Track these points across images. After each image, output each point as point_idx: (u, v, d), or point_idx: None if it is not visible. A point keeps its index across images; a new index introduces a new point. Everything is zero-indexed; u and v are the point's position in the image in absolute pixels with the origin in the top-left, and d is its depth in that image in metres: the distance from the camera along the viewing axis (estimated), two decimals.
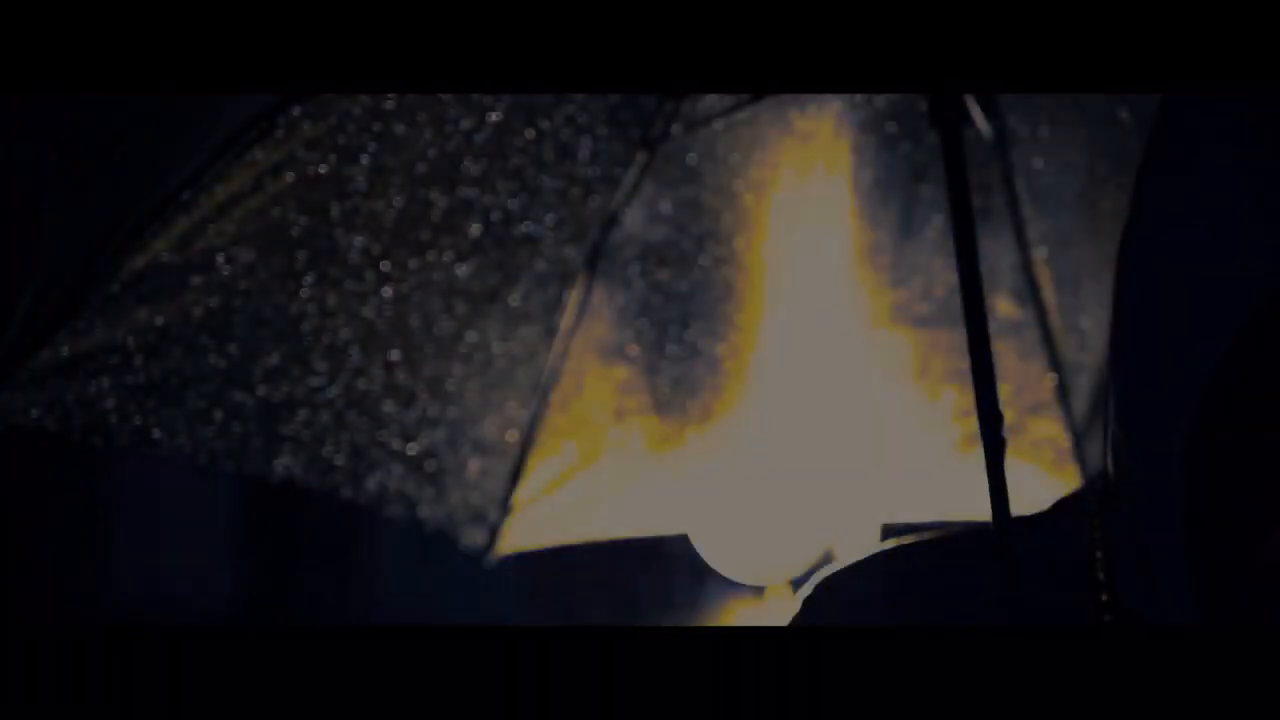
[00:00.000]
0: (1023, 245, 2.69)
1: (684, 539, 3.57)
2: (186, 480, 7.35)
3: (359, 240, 2.32)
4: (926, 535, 1.51)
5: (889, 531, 3.09)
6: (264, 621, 7.14)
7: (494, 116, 2.29)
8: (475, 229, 2.41)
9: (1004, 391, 2.80)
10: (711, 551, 3.58)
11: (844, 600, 1.47)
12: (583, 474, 2.82)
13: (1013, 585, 1.41)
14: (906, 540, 1.50)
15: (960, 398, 2.76)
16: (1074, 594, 1.41)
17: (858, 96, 2.48)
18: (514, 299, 2.55)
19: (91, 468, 7.24)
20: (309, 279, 2.32)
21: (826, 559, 3.50)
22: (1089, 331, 2.75)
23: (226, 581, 7.60)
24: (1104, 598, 1.39)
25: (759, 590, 4.01)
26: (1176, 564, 1.29)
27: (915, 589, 1.45)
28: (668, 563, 6.37)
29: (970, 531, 1.51)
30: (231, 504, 7.59)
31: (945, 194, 1.72)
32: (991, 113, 2.54)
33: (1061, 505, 1.47)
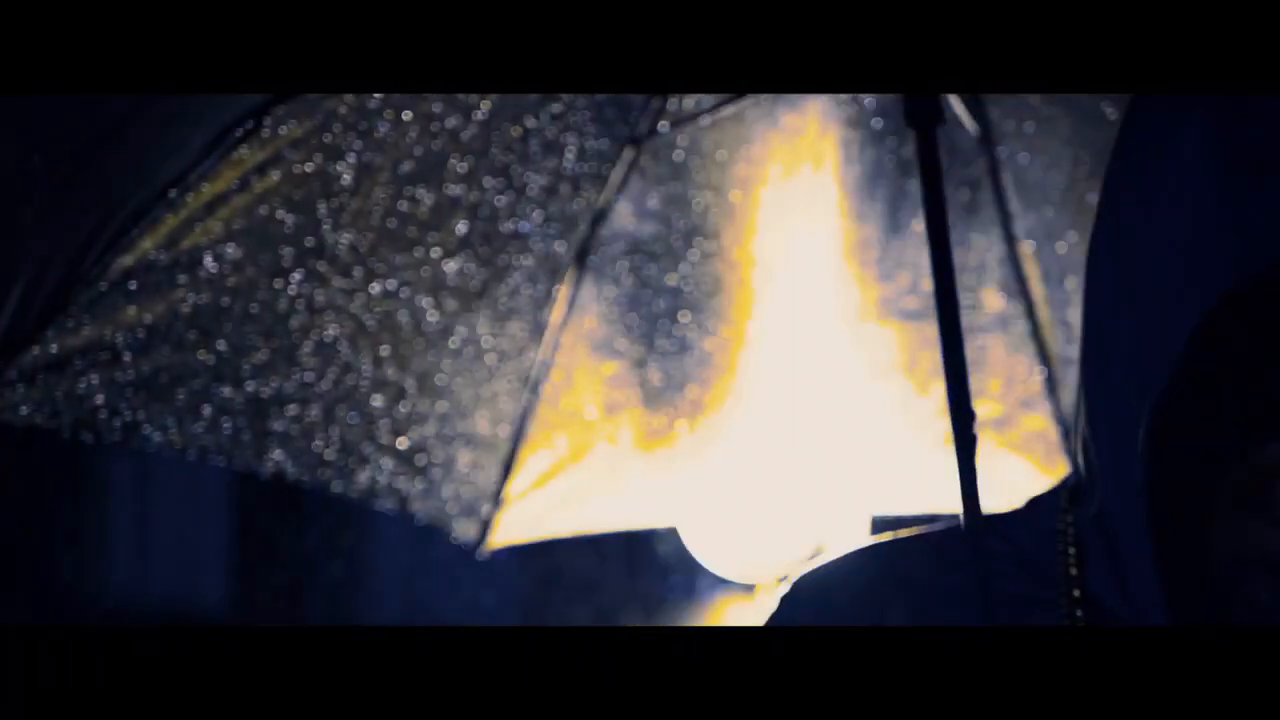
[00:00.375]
0: (1010, 239, 2.70)
1: (674, 536, 3.59)
2: (179, 481, 7.37)
3: (346, 237, 2.33)
4: (903, 533, 1.52)
5: (880, 526, 3.10)
6: (256, 622, 7.15)
7: (480, 115, 2.30)
8: (462, 226, 2.42)
9: (993, 385, 2.83)
10: (701, 548, 3.60)
11: (821, 598, 1.48)
12: (573, 468, 2.83)
13: (984, 581, 1.43)
14: (883, 538, 1.52)
15: None
16: (1047, 589, 1.42)
17: (844, 94, 2.49)
18: (502, 295, 2.56)
19: (84, 468, 7.26)
20: (297, 276, 2.33)
21: (816, 555, 3.51)
22: (1076, 325, 2.75)
23: (219, 583, 7.62)
24: (1076, 593, 1.40)
25: (749, 587, 4.02)
26: (1144, 558, 1.31)
27: (890, 586, 1.47)
28: (658, 559, 6.39)
29: (944, 529, 1.53)
30: (223, 505, 7.60)
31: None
32: (977, 109, 2.55)
33: (1035, 502, 1.49)
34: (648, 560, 6.49)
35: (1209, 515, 1.30)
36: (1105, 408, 1.33)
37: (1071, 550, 1.42)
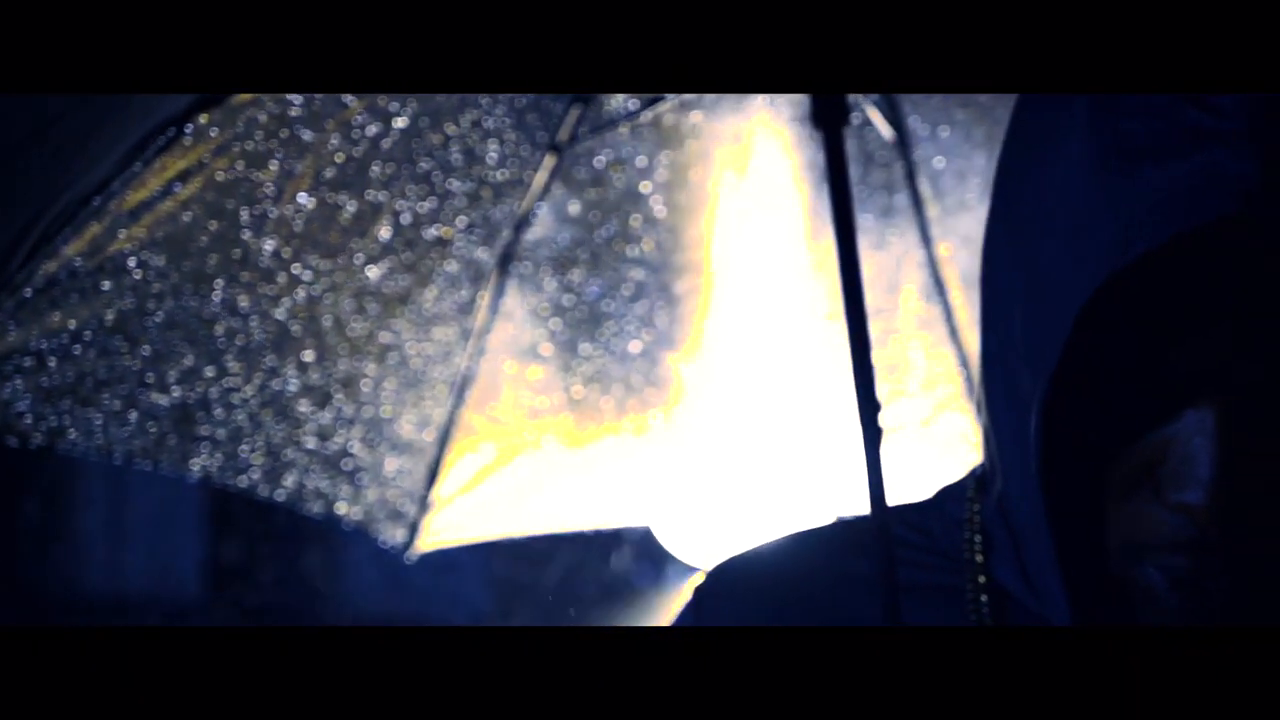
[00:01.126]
0: (928, 242, 2.73)
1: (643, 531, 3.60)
2: (150, 476, 7.33)
3: (269, 244, 2.34)
4: (814, 523, 1.55)
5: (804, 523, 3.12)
6: (229, 617, 7.13)
7: (400, 122, 2.31)
8: (385, 232, 2.44)
9: (914, 386, 2.86)
10: (665, 537, 3.61)
11: (735, 589, 1.50)
12: (500, 471, 2.85)
13: (887, 569, 1.45)
14: (796, 529, 1.54)
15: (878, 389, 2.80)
16: (955, 577, 1.44)
17: (760, 99, 2.52)
18: (427, 300, 2.58)
19: (54, 465, 7.22)
20: (220, 282, 2.35)
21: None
22: None
23: (191, 579, 7.59)
24: (982, 580, 1.42)
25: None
26: (1043, 545, 1.33)
27: (802, 576, 1.49)
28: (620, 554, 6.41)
29: (856, 519, 1.55)
30: (195, 500, 7.57)
31: (828, 192, 1.76)
32: (892, 114, 2.59)
33: (945, 491, 1.51)
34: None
35: (1102, 500, 1.32)
36: (1002, 396, 1.35)
37: (977, 538, 1.43)
